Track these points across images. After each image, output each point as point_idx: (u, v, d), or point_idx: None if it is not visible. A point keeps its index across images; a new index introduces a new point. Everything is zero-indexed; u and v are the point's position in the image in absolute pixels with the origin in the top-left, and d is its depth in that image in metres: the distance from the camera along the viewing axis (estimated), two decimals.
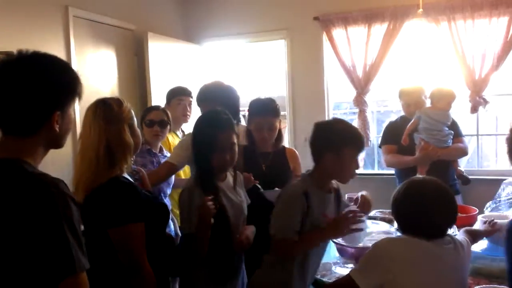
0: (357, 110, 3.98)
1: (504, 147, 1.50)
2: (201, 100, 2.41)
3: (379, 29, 3.81)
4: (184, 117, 2.97)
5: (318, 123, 1.71)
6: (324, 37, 4.04)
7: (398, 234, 2.22)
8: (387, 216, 2.64)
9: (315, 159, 1.68)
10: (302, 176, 1.76)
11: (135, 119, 1.57)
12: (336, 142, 1.61)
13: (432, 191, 1.41)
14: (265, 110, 2.31)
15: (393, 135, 3.05)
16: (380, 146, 3.23)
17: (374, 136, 4.15)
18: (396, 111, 5.72)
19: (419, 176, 1.50)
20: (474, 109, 3.62)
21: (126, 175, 1.49)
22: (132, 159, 1.53)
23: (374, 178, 3.97)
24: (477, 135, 4.05)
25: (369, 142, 3.99)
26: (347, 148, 1.61)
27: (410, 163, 2.92)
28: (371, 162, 4.26)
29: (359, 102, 3.91)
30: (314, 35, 4.07)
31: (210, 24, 4.44)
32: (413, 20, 3.74)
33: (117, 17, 3.63)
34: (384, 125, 3.39)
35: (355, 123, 3.87)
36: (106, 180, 1.41)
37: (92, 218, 1.41)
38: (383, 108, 5.70)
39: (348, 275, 1.39)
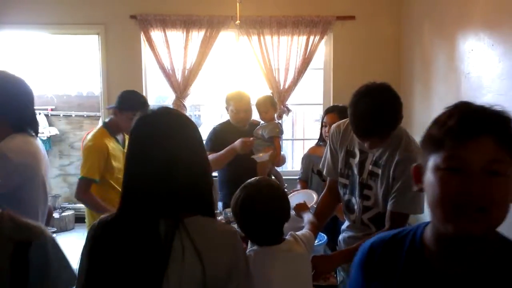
0: None
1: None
2: None
3: (197, 35, 3.92)
4: (127, 130, 2.74)
5: None
6: (142, 37, 3.94)
7: None
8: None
9: None
10: None
11: None
12: None
13: (265, 196, 1.38)
14: None
15: (218, 143, 2.96)
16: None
17: None
18: (210, 115, 6.02)
19: (252, 180, 1.47)
20: (279, 116, 4.03)
21: None
22: None
23: None
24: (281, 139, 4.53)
25: None
26: None
27: (230, 152, 2.83)
28: None
29: (178, 105, 3.93)
30: (131, 34, 3.93)
31: (9, 9, 3.84)
32: (228, 31, 4.01)
33: None
34: (203, 129, 3.41)
35: None
36: None
37: None
38: (199, 113, 5.89)
39: None
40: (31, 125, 1.82)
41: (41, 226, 1.10)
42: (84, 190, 2.38)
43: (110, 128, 2.56)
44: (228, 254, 1.07)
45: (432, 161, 0.83)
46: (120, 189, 1.16)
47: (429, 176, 0.84)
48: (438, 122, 0.85)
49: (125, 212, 1.11)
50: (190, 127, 1.15)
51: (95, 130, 2.63)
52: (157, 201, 1.07)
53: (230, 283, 1.06)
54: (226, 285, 1.06)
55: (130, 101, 2.58)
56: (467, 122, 0.81)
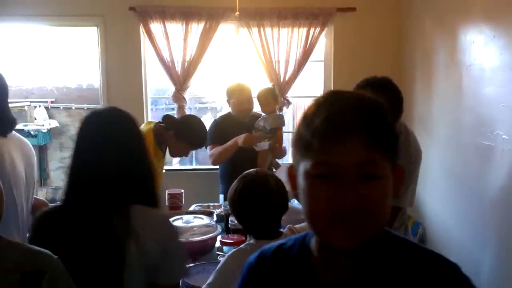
0: (175, 106, 3.99)
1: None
2: None
3: (196, 27, 3.89)
4: (172, 154, 2.72)
5: None
6: (142, 29, 3.92)
7: (218, 226, 2.34)
8: (206, 210, 2.72)
9: None
10: None
11: None
12: None
13: (263, 188, 1.38)
14: None
15: (220, 135, 2.99)
16: (206, 146, 3.10)
17: None
18: (210, 108, 6.01)
19: (250, 171, 1.46)
20: (280, 109, 4.02)
21: None
22: None
23: (196, 173, 4.07)
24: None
25: None
26: None
27: (233, 145, 2.89)
28: (190, 158, 4.33)
29: (178, 98, 3.92)
30: (131, 26, 3.90)
31: (7, 2, 3.82)
32: (228, 23, 3.98)
33: None
34: (206, 123, 3.38)
35: None
36: None
37: None
38: (199, 105, 5.88)
39: None
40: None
41: (50, 254, 1.00)
42: None
43: (160, 141, 2.45)
44: (162, 237, 1.20)
45: (302, 166, 0.72)
46: None
47: (301, 182, 0.74)
48: (306, 118, 0.73)
49: (72, 205, 1.20)
50: (130, 126, 1.28)
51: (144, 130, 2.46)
52: (103, 193, 1.18)
53: (164, 264, 1.19)
54: (161, 266, 1.19)
55: (194, 136, 2.50)
56: (334, 120, 0.69)
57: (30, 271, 0.93)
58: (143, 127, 2.56)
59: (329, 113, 0.70)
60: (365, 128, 0.69)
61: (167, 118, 2.54)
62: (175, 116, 3.90)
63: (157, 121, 2.59)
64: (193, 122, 2.56)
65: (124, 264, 1.13)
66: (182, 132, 2.46)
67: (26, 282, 0.91)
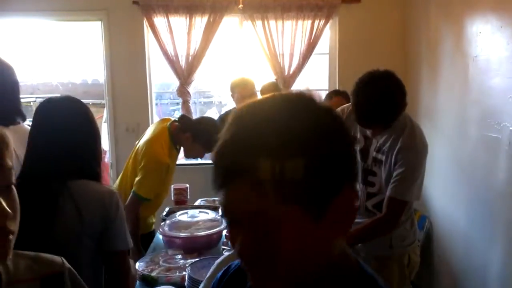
0: (180, 100, 3.99)
1: None
2: None
3: (200, 21, 3.87)
4: (187, 155, 2.68)
5: None
6: (145, 23, 3.91)
7: (223, 220, 2.33)
8: (211, 204, 2.72)
9: None
10: None
11: None
12: None
13: None
14: None
15: None
16: None
17: None
18: (215, 102, 6.00)
19: None
20: None
21: None
22: None
23: (201, 168, 4.07)
24: None
25: None
26: None
27: None
28: None
29: (182, 92, 3.91)
30: (135, 20, 3.90)
31: None
32: (232, 16, 3.96)
33: None
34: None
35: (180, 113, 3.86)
36: None
37: None
38: (204, 100, 5.88)
39: None
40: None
41: (53, 256, 0.98)
42: (135, 206, 2.30)
43: (175, 141, 2.45)
44: (101, 208, 1.32)
45: None
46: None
47: None
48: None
49: (25, 179, 1.32)
50: (80, 112, 1.41)
51: (158, 132, 2.46)
52: (51, 169, 1.34)
53: (109, 232, 1.33)
54: (102, 234, 1.32)
55: (211, 139, 2.49)
56: (224, 153, 0.56)
57: (46, 275, 0.91)
58: (157, 125, 2.55)
59: (223, 141, 0.56)
60: (259, 170, 0.52)
61: (183, 120, 2.52)
62: (181, 111, 3.91)
63: (172, 119, 2.58)
64: (210, 125, 2.54)
65: (67, 232, 1.26)
66: (199, 134, 2.44)
67: (49, 286, 0.90)
